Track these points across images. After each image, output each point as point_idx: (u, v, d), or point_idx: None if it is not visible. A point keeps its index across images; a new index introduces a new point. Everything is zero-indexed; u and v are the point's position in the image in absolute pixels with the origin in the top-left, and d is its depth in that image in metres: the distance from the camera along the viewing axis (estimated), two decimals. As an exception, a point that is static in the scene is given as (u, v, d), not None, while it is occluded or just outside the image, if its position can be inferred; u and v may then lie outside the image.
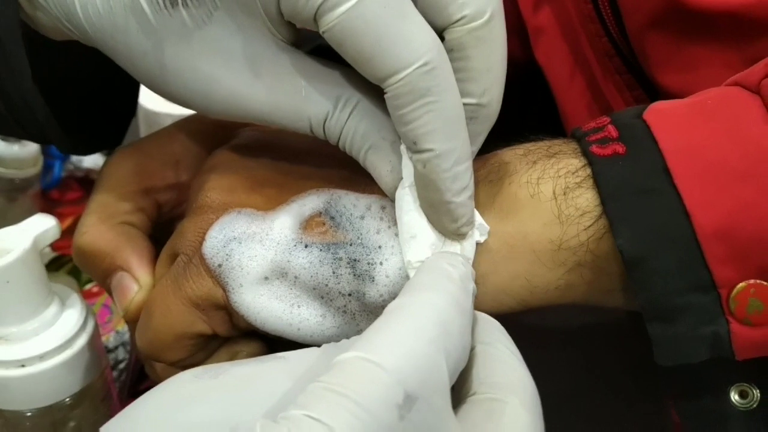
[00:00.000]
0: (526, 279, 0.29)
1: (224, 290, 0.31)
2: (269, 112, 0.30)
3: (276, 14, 0.28)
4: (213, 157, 0.35)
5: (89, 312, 0.38)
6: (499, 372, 0.26)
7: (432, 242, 0.30)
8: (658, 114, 0.29)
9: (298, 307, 0.31)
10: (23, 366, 0.35)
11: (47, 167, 0.74)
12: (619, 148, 0.28)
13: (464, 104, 0.28)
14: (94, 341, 0.38)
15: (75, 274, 0.69)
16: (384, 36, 0.26)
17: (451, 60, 0.27)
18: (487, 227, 0.30)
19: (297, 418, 0.21)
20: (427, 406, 0.23)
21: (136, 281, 0.34)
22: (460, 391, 0.26)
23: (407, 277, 0.30)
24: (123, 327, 0.59)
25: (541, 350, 0.39)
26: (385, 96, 0.27)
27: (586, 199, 0.28)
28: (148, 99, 0.72)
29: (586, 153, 0.29)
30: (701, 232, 0.27)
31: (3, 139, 0.66)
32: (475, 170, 0.31)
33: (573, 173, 0.29)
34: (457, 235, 0.29)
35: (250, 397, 0.24)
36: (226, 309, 0.31)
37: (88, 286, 0.69)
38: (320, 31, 0.27)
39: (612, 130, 0.29)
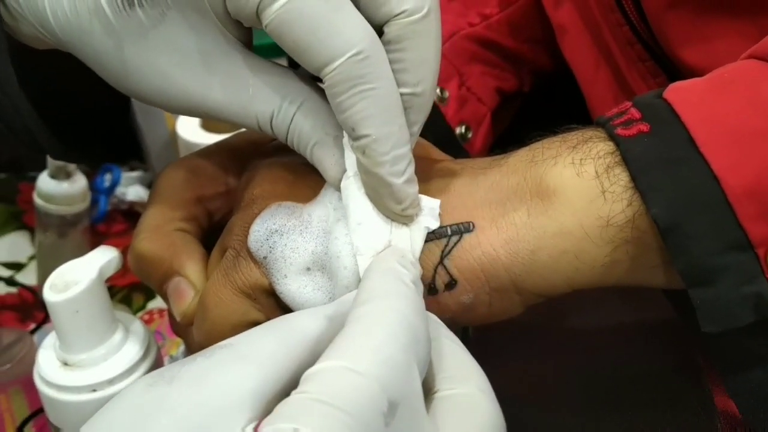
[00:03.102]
0: (574, 255, 0.30)
1: (270, 281, 0.32)
2: (220, 108, 0.32)
3: (223, 13, 0.30)
4: (257, 158, 0.37)
5: (151, 336, 0.40)
6: (453, 365, 0.27)
7: (379, 227, 0.31)
8: (678, 91, 0.30)
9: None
10: (94, 390, 0.37)
11: (93, 202, 0.77)
12: (644, 127, 0.29)
13: (401, 94, 0.30)
14: (158, 363, 0.40)
15: (126, 302, 0.71)
16: (318, 28, 0.28)
17: (389, 52, 0.29)
18: (438, 210, 0.31)
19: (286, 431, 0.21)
20: (407, 411, 0.23)
21: (193, 285, 0.35)
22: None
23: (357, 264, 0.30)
24: (176, 352, 0.62)
25: (588, 349, 0.40)
26: (324, 86, 0.29)
27: (627, 175, 0.29)
28: (186, 130, 0.74)
29: (612, 136, 0.30)
30: (731, 193, 0.27)
31: (53, 178, 0.69)
32: (520, 155, 0.32)
33: (611, 153, 0.30)
34: (404, 217, 0.31)
35: (208, 398, 0.23)
36: (276, 295, 0.32)
37: (138, 314, 0.71)
38: (263, 27, 0.29)
39: (635, 112, 0.30)
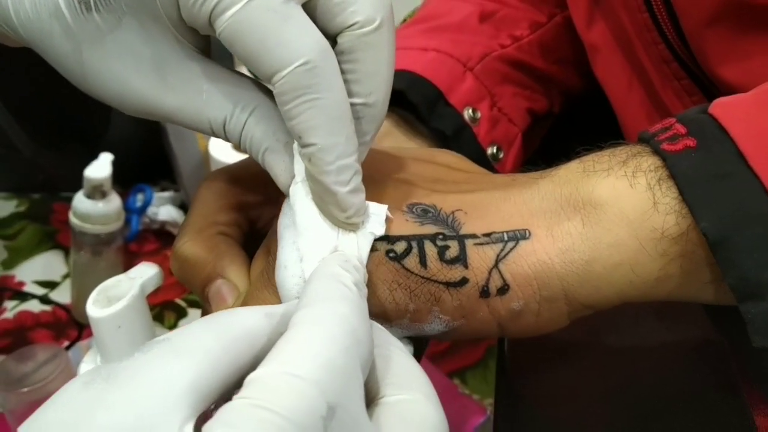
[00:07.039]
0: (630, 268, 0.30)
1: None
2: (174, 113, 0.32)
3: (178, 20, 0.30)
4: None
5: (190, 352, 0.40)
6: (399, 372, 0.27)
7: (325, 233, 0.31)
8: (724, 107, 0.30)
9: None
10: (134, 405, 0.38)
11: (125, 222, 0.78)
12: (690, 142, 0.29)
13: (352, 104, 0.30)
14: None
15: (158, 320, 0.72)
16: (267, 37, 0.28)
17: (342, 62, 0.29)
18: (384, 217, 0.31)
19: None
20: (346, 415, 0.23)
21: (235, 288, 0.35)
22: (367, 395, 0.26)
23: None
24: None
25: (624, 368, 0.40)
26: (274, 93, 0.29)
27: (677, 189, 0.29)
28: (218, 151, 0.75)
29: (658, 151, 0.30)
30: None
31: (89, 197, 0.70)
32: (571, 167, 0.33)
33: (661, 167, 0.30)
34: (348, 225, 0.31)
35: (143, 396, 0.23)
36: None
37: (170, 333, 0.72)
38: (217, 34, 0.29)
39: (680, 128, 0.30)
